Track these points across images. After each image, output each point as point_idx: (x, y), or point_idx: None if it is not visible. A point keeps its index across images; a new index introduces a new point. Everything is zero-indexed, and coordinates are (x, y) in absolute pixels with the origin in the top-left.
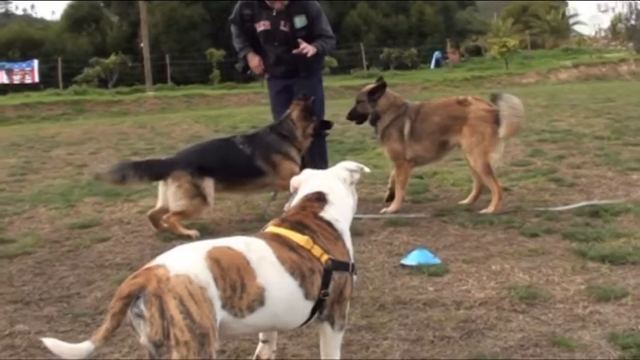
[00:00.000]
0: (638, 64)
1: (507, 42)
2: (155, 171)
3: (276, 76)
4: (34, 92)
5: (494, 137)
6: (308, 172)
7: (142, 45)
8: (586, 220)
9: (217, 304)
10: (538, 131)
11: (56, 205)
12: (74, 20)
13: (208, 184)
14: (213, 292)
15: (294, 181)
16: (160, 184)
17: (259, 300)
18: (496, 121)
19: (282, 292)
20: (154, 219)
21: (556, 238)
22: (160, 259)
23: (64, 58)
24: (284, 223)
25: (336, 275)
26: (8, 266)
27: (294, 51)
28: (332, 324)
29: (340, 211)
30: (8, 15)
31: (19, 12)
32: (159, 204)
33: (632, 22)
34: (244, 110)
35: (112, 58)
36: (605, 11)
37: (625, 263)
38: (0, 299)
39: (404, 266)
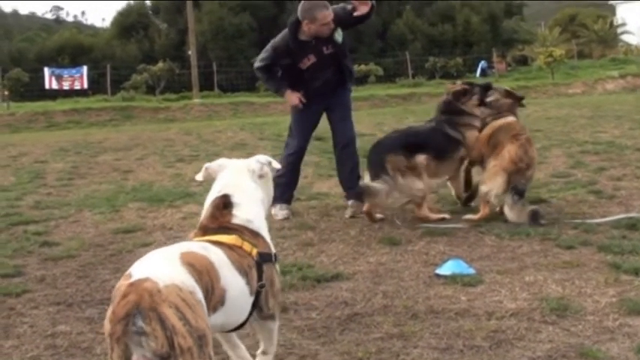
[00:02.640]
0: None
1: (553, 52)
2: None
3: (317, 101)
4: (82, 98)
5: None
6: (221, 162)
7: (189, 52)
8: (623, 232)
9: (204, 305)
10: (580, 142)
11: (101, 210)
12: (123, 27)
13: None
14: (200, 295)
15: (209, 167)
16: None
17: (221, 300)
18: None
19: (236, 291)
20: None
21: (591, 251)
22: (137, 272)
23: (112, 65)
24: (208, 231)
25: (265, 267)
26: (53, 268)
27: (357, 13)
28: (274, 319)
29: (250, 211)
30: (59, 21)
31: (70, 19)
32: None
33: None
34: (289, 118)
35: (160, 65)
36: None
37: None
38: (44, 300)
39: (438, 276)
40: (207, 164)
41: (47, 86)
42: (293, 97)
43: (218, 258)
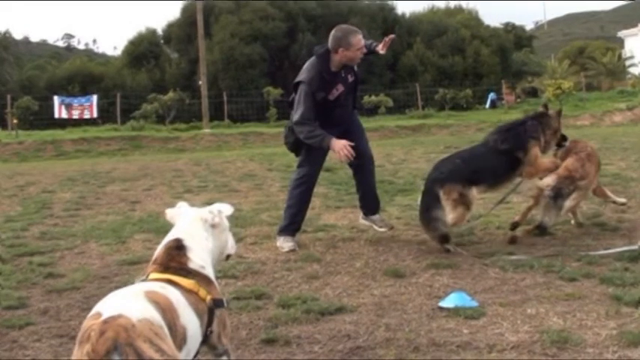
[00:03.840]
0: None
1: (562, 84)
2: None
3: (333, 129)
4: (92, 127)
5: None
6: (179, 209)
7: (200, 82)
8: (625, 264)
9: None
10: None
11: (107, 241)
12: (134, 56)
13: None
14: (167, 330)
15: (169, 213)
16: None
17: (184, 338)
18: None
19: (193, 331)
20: None
21: (594, 283)
22: (107, 310)
23: (122, 94)
24: (168, 269)
25: (217, 312)
26: (57, 300)
27: (383, 51)
28: (228, 354)
29: (201, 257)
30: (70, 49)
31: (82, 46)
32: None
33: None
34: None
35: (170, 94)
36: None
37: None
38: (46, 333)
39: (442, 308)
40: (167, 209)
41: (57, 115)
42: (341, 147)
43: (176, 298)
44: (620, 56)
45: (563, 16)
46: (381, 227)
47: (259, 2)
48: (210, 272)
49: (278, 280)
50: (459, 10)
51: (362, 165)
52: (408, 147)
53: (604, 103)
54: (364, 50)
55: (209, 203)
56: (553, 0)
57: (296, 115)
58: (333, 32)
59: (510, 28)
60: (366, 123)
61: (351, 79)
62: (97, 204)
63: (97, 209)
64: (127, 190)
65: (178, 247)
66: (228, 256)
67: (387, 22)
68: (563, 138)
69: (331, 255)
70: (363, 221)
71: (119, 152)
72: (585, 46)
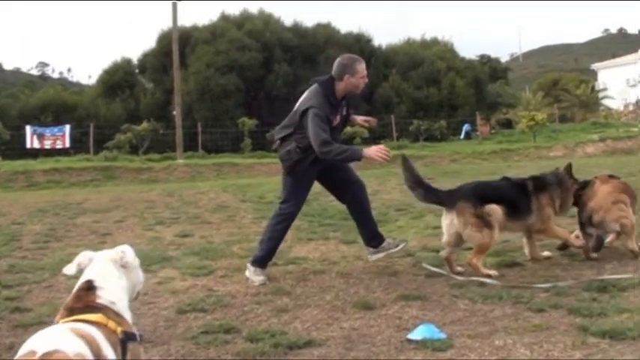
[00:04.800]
0: None
1: (535, 115)
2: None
3: (320, 164)
4: (64, 157)
5: None
6: (87, 255)
7: (174, 112)
8: (593, 295)
9: None
10: None
11: (76, 275)
12: (109, 86)
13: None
14: None
15: (80, 263)
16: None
17: None
18: None
19: None
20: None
21: (561, 314)
22: (41, 347)
23: (96, 124)
24: (74, 311)
25: (130, 345)
26: (23, 335)
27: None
28: None
29: (113, 294)
30: (45, 78)
31: (56, 75)
32: (445, 238)
33: None
34: (273, 180)
35: (144, 124)
36: (634, 85)
37: (625, 339)
38: None
39: (410, 341)
40: (78, 260)
41: (29, 145)
42: (375, 151)
43: (95, 333)
44: (593, 88)
45: (538, 49)
46: (397, 246)
47: (236, 32)
48: (121, 308)
49: (247, 313)
50: (435, 42)
51: (354, 194)
52: (382, 178)
53: (577, 134)
54: (366, 80)
55: (181, 235)
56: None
57: (317, 140)
58: (338, 60)
59: (485, 60)
60: None
61: (345, 112)
62: (67, 236)
63: (67, 241)
64: (98, 222)
65: (88, 288)
66: (137, 294)
67: (363, 54)
68: (583, 186)
69: (301, 288)
70: (375, 257)
71: (91, 183)
72: (559, 78)
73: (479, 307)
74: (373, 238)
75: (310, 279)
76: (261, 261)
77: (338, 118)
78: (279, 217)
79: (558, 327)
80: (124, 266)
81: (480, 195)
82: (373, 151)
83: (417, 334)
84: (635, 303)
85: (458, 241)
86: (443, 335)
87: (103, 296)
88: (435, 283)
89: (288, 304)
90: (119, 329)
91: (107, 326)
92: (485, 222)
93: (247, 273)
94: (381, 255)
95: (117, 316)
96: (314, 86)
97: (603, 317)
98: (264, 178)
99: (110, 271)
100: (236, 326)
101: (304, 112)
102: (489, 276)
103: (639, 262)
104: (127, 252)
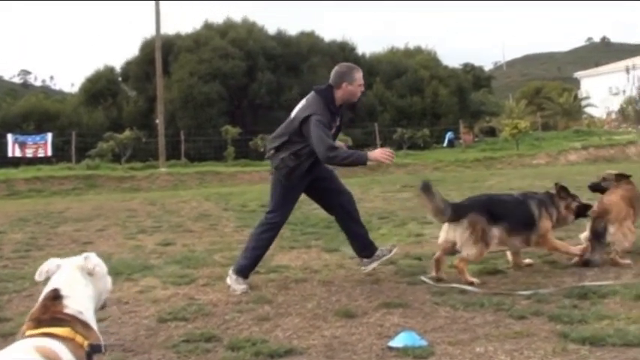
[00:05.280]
0: None
1: (519, 124)
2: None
3: (311, 174)
4: (46, 166)
5: None
6: (54, 262)
7: (157, 121)
8: (574, 302)
9: None
10: None
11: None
12: (91, 94)
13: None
14: None
15: (45, 267)
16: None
17: None
18: None
19: None
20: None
21: (542, 320)
22: None
23: (78, 132)
24: (41, 322)
25: (95, 357)
26: (2, 345)
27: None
28: None
29: (79, 303)
30: (27, 86)
31: (38, 83)
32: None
33: None
34: (255, 188)
35: (127, 133)
36: (616, 94)
37: (605, 345)
38: None
39: (391, 348)
40: (46, 267)
41: (10, 154)
42: (380, 154)
43: (60, 349)
44: (576, 96)
45: (521, 57)
46: (391, 252)
47: (219, 41)
48: (89, 317)
49: (229, 322)
50: (419, 51)
51: (343, 205)
52: (366, 186)
53: (560, 142)
54: (363, 88)
55: (162, 244)
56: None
57: (324, 145)
58: (336, 68)
59: (469, 69)
60: None
61: (339, 122)
62: (48, 245)
63: (48, 250)
64: (79, 231)
65: (55, 297)
66: (105, 302)
67: (347, 62)
68: (586, 207)
69: (283, 296)
70: (369, 267)
71: (73, 192)
72: (542, 87)
73: (460, 315)
74: (365, 248)
75: (292, 287)
76: (245, 270)
77: (333, 127)
78: (265, 226)
79: (539, 334)
80: (90, 274)
81: (489, 210)
82: (378, 153)
83: (398, 342)
84: (615, 310)
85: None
86: (424, 342)
87: (70, 306)
88: (417, 290)
89: (269, 313)
90: (86, 343)
91: (74, 340)
92: (485, 238)
93: (229, 281)
94: (375, 264)
95: (84, 328)
96: (312, 94)
97: (584, 324)
98: (247, 186)
99: (77, 279)
100: (217, 335)
101: (305, 120)
102: (472, 283)
103: (620, 269)
104: (93, 259)
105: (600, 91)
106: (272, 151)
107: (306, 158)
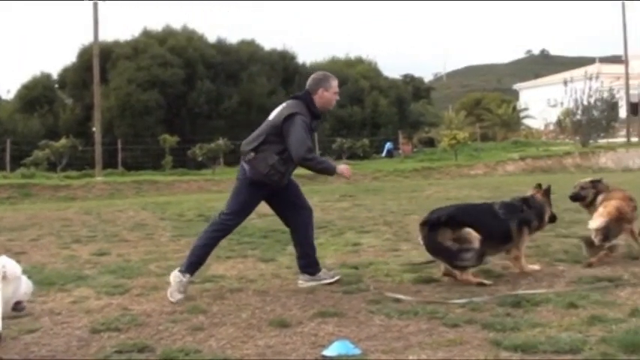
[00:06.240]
0: (582, 157)
1: (457, 134)
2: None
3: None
4: None
5: None
6: None
7: (94, 129)
8: (507, 310)
9: None
10: None
11: None
12: (27, 101)
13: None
14: None
15: None
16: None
17: None
18: None
19: None
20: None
21: (476, 329)
22: None
23: (13, 140)
24: None
25: None
26: None
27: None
28: None
29: None
30: None
31: None
32: None
33: (578, 116)
34: (193, 198)
35: (63, 141)
36: (554, 106)
37: (537, 352)
38: None
39: (325, 357)
40: None
41: None
42: (346, 169)
43: None
44: (514, 108)
45: (462, 69)
46: (332, 278)
47: (158, 48)
48: None
49: (162, 332)
50: (359, 61)
51: (303, 220)
52: (305, 195)
53: (498, 153)
54: (338, 97)
55: (97, 254)
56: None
57: (303, 146)
58: (312, 76)
59: (409, 80)
60: None
61: (314, 126)
62: None
63: None
64: (12, 241)
65: None
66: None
67: (287, 71)
68: (553, 218)
69: (218, 306)
70: (307, 284)
71: (7, 201)
72: (482, 98)
73: (394, 323)
74: (310, 266)
75: (227, 297)
76: (193, 268)
77: (310, 133)
78: (218, 225)
79: (472, 342)
80: (3, 278)
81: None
82: (344, 168)
83: (331, 351)
84: (547, 317)
85: None
86: (357, 351)
87: None
88: (352, 299)
89: (203, 323)
90: None
91: None
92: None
93: (172, 280)
94: (313, 284)
95: None
96: (291, 100)
97: (516, 332)
98: (185, 195)
99: None
100: (150, 345)
101: (290, 117)
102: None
103: (554, 278)
104: (6, 265)
105: (539, 103)
106: (251, 154)
107: (292, 162)
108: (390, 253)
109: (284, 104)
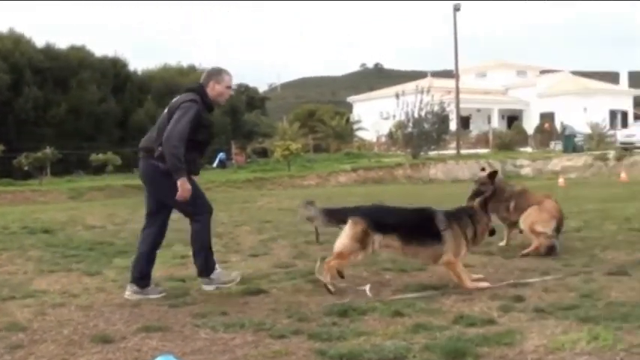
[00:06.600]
0: (413, 169)
1: (290, 145)
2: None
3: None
4: None
5: None
6: None
7: None
8: (334, 319)
9: None
10: (306, 233)
11: None
12: None
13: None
14: None
15: None
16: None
17: None
18: None
19: None
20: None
21: (302, 339)
22: None
23: None
24: None
25: None
26: None
27: None
28: None
29: None
30: None
31: None
32: None
33: (409, 129)
34: (18, 209)
35: None
36: (387, 118)
37: None
38: None
39: None
40: None
41: None
42: (187, 190)
43: None
44: (348, 120)
45: (297, 80)
46: (160, 294)
47: None
48: None
49: None
50: (192, 69)
51: (164, 228)
52: (134, 207)
53: (331, 164)
54: (232, 92)
55: None
56: (288, 64)
57: (180, 135)
58: (207, 70)
59: (243, 90)
60: (92, 182)
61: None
62: None
63: None
64: None
65: None
66: None
67: (118, 78)
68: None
69: (39, 322)
70: (135, 296)
71: None
72: (316, 110)
73: (220, 336)
74: (144, 278)
75: (49, 313)
76: (208, 270)
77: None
78: (199, 225)
79: (297, 352)
80: None
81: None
82: (185, 189)
83: None
84: (373, 326)
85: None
86: None
87: None
88: (178, 313)
89: (23, 340)
90: None
91: None
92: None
93: (204, 286)
94: (140, 297)
95: None
96: (184, 93)
97: (342, 341)
98: (9, 207)
99: None
100: None
101: (186, 103)
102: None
103: (381, 286)
104: None
105: (371, 116)
106: (159, 150)
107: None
108: (219, 265)
109: (179, 96)
